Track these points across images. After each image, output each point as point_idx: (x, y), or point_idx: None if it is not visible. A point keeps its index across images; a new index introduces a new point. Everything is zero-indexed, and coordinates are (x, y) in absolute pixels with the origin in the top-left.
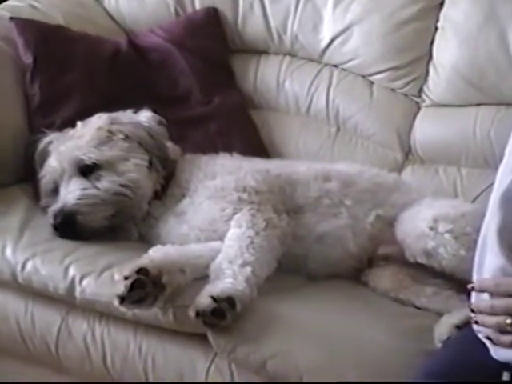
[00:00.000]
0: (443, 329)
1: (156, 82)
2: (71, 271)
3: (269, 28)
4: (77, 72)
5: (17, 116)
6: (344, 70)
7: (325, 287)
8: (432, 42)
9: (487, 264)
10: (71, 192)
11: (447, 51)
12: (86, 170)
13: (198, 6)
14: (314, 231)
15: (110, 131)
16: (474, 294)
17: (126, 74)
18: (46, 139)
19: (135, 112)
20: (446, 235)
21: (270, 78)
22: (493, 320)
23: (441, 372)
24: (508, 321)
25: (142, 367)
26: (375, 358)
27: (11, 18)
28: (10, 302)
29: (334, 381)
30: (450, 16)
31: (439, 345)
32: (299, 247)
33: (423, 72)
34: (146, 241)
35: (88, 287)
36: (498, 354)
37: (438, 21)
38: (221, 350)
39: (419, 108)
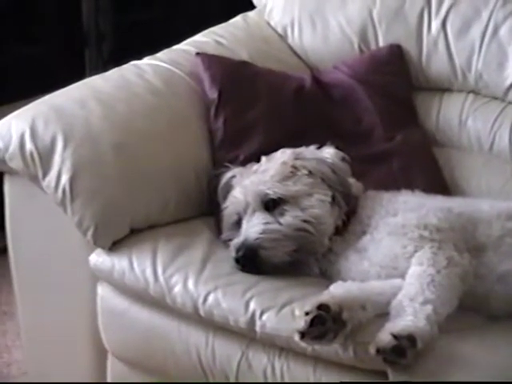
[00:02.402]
0: None
1: (339, 118)
2: (252, 305)
3: (453, 66)
4: (261, 107)
5: (200, 150)
6: None
7: (507, 327)
8: None
9: None
10: (254, 226)
11: None
12: (270, 205)
13: (381, 43)
14: (496, 270)
15: (293, 166)
16: None
17: (309, 109)
18: (229, 173)
19: (318, 148)
20: None
21: (453, 115)
22: None
23: None
24: None
25: None
26: None
27: (197, 54)
28: (191, 334)
29: None
30: None
31: None
32: (480, 286)
33: None
34: (327, 276)
35: (268, 322)
36: None
37: None
38: None
39: None
